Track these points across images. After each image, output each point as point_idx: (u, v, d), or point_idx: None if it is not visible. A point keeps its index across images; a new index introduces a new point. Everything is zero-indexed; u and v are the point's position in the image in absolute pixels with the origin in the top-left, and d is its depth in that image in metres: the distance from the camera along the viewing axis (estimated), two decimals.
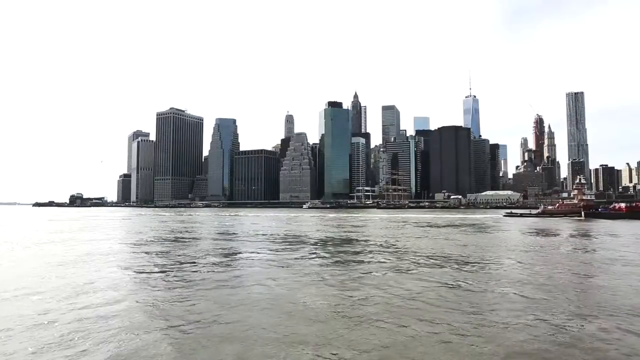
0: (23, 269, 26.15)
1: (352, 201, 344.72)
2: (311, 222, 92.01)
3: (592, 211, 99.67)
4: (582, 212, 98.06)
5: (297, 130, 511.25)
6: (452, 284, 20.63)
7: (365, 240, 45.22)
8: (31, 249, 37.40)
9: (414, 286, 19.97)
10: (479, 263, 27.89)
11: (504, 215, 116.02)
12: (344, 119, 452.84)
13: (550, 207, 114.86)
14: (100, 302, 16.98)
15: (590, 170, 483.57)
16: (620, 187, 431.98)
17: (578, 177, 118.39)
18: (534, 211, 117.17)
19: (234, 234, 56.40)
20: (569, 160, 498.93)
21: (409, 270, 25.04)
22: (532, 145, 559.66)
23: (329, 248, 38.24)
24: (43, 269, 25.62)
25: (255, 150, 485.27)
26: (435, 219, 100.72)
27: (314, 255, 32.39)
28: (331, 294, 18.46)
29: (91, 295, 18.20)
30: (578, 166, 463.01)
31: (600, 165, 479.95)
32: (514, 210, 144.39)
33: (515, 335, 12.72)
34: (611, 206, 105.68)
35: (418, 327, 13.56)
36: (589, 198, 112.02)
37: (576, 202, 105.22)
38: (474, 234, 55.45)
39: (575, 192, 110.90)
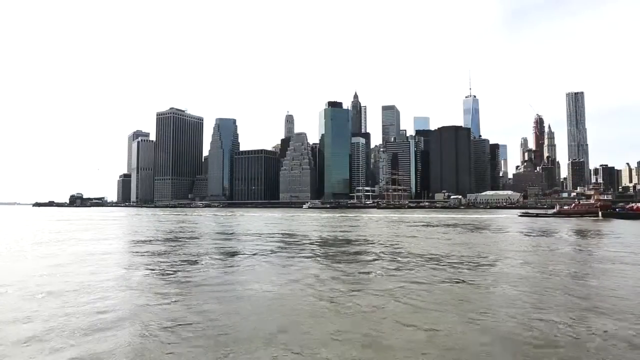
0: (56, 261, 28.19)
1: (352, 201, 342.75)
2: (311, 222, 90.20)
3: (609, 211, 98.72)
4: (600, 212, 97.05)
5: (297, 130, 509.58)
6: (459, 283, 20.39)
7: (365, 240, 44.40)
8: (58, 246, 38.16)
9: (416, 286, 19.51)
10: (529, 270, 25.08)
11: (519, 215, 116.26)
12: (344, 119, 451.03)
13: (566, 207, 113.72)
14: (107, 299, 17.23)
15: (590, 170, 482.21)
16: (620, 187, 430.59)
17: (595, 177, 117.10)
18: (550, 211, 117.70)
19: (233, 233, 55.57)
20: (569, 160, 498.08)
21: (410, 270, 24.27)
22: (532, 145, 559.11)
23: (328, 248, 37.48)
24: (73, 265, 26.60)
25: (255, 150, 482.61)
26: (447, 219, 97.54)
27: (313, 255, 31.63)
28: (330, 294, 18.16)
29: (99, 293, 18.37)
30: (578, 166, 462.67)
31: (600, 165, 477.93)
32: (529, 211, 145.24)
33: (521, 336, 12.37)
34: (628, 206, 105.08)
35: (418, 327, 13.28)
36: (605, 198, 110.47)
37: (593, 202, 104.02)
38: (504, 237, 52.38)
39: (593, 192, 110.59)
